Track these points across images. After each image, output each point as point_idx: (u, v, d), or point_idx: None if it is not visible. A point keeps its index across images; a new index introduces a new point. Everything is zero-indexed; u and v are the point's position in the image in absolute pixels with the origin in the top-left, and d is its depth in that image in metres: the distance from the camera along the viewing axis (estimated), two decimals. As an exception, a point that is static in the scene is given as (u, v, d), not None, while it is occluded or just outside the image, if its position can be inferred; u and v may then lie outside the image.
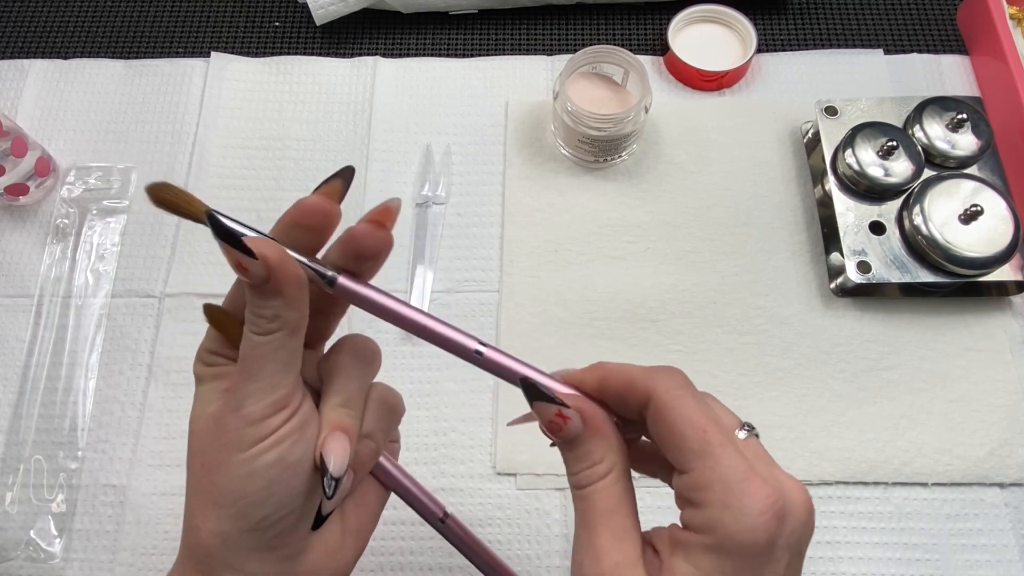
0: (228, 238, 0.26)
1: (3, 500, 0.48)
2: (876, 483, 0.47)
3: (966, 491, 0.47)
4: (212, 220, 0.27)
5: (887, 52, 0.61)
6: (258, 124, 0.59)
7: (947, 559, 0.46)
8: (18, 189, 0.54)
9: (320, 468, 0.28)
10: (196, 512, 0.28)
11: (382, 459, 0.33)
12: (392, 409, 0.33)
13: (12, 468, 0.49)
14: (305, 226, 0.30)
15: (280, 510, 0.28)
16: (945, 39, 0.62)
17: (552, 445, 0.29)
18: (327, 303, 0.32)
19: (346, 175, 0.31)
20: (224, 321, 0.31)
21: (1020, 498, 0.47)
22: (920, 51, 0.61)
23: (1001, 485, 0.47)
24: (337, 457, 0.28)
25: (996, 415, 0.49)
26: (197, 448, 0.29)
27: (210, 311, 0.31)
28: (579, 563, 0.26)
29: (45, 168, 0.56)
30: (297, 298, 0.28)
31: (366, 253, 0.30)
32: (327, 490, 0.28)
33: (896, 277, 0.49)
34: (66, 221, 0.56)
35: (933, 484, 0.47)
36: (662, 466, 0.28)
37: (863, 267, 0.49)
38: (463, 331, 0.30)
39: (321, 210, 0.29)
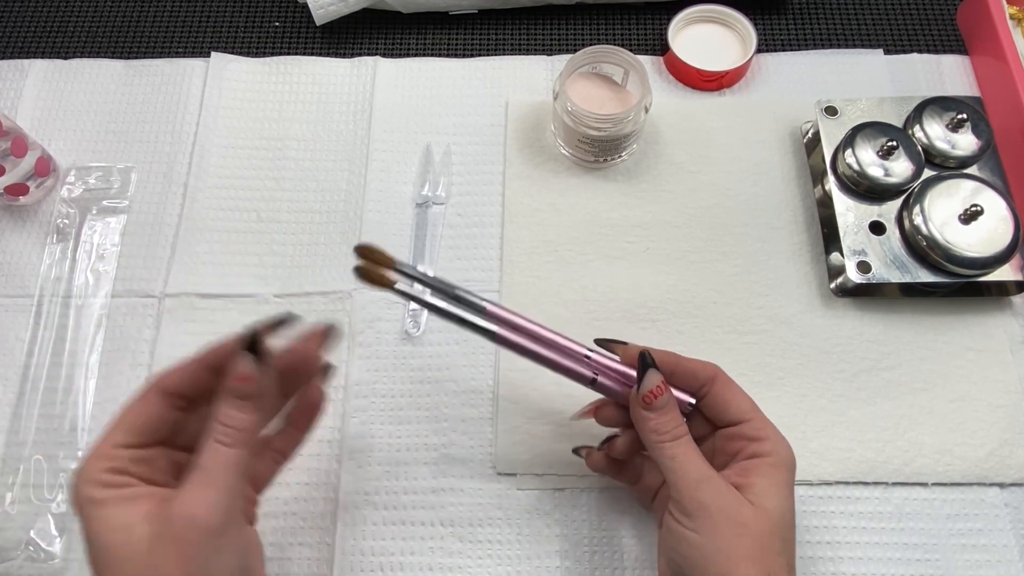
0: (255, 350, 0.32)
1: (3, 500, 0.48)
2: (876, 483, 0.47)
3: (966, 491, 0.47)
4: (253, 336, 0.32)
5: (887, 52, 0.61)
6: (258, 124, 0.59)
7: (947, 559, 0.46)
8: (18, 189, 0.54)
9: None
10: None
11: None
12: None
13: (12, 468, 0.49)
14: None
15: None
16: (945, 39, 0.62)
17: (578, 452, 0.44)
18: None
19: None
20: (379, 259, 0.38)
21: (1020, 498, 0.47)
22: (920, 51, 0.61)
23: (1001, 485, 0.47)
24: None
25: (996, 415, 0.49)
26: (135, 573, 0.28)
27: (363, 250, 0.38)
28: (694, 485, 0.35)
29: (45, 168, 0.56)
30: (269, 418, 0.34)
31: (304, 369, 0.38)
32: None
33: (896, 277, 0.49)
34: (66, 221, 0.56)
35: (933, 484, 0.47)
36: (628, 471, 0.43)
37: (863, 267, 0.49)
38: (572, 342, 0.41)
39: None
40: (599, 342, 0.41)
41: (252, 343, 0.32)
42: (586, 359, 0.40)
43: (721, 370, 0.40)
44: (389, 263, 0.38)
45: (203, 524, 0.28)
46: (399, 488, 0.48)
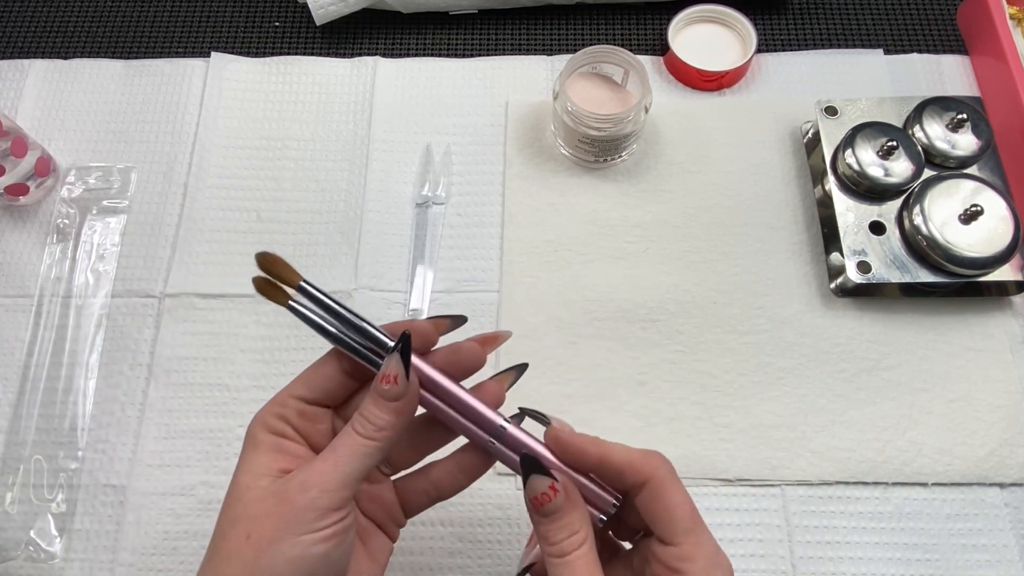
0: (405, 353, 0.31)
1: (3, 500, 0.48)
2: (876, 483, 0.47)
3: (966, 491, 0.47)
4: (405, 337, 0.31)
5: (887, 52, 0.61)
6: (258, 124, 0.59)
7: (947, 559, 0.46)
8: (18, 189, 0.54)
9: None
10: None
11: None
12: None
13: (12, 468, 0.49)
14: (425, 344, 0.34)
15: None
16: (945, 39, 0.62)
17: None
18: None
19: (458, 321, 0.35)
20: (276, 267, 0.32)
21: (1020, 498, 0.47)
22: (920, 51, 0.61)
23: (1001, 485, 0.47)
24: None
25: (996, 415, 0.49)
26: (244, 515, 0.29)
27: (268, 259, 0.32)
28: None
29: (45, 168, 0.56)
30: (406, 424, 0.32)
31: (462, 368, 0.34)
32: None
33: (896, 277, 0.49)
34: (66, 221, 0.56)
35: (933, 484, 0.47)
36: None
37: (863, 267, 0.49)
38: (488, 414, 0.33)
39: (429, 338, 0.34)
40: (523, 410, 0.35)
41: (405, 345, 0.31)
42: (501, 429, 0.33)
43: (661, 470, 0.31)
44: (293, 280, 0.32)
45: (311, 496, 0.29)
46: (399, 488, 0.48)
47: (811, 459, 0.48)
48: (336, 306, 0.32)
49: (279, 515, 0.29)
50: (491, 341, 0.35)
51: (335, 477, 0.30)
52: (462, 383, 0.33)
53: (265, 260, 0.32)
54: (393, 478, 0.36)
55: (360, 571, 0.34)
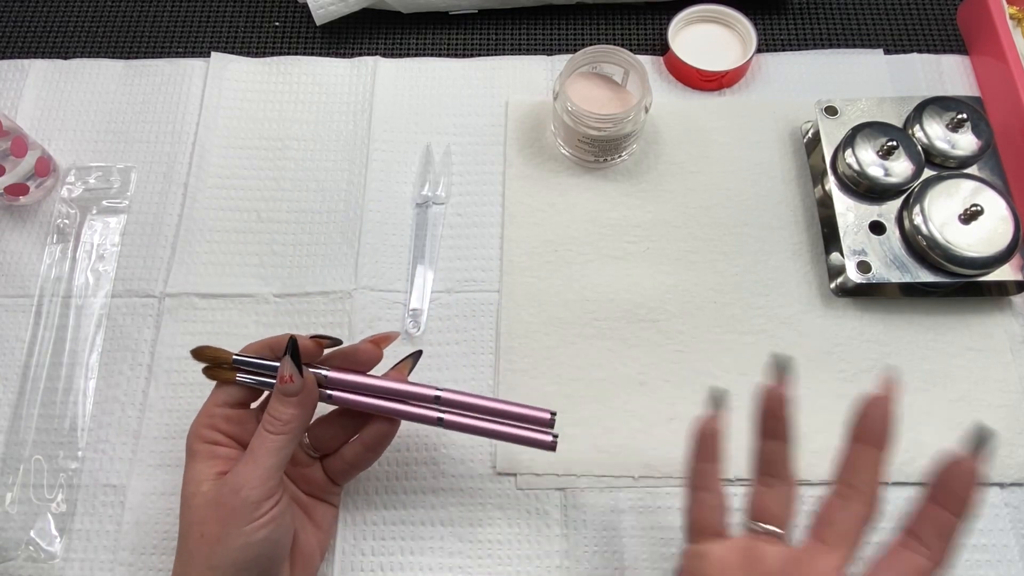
0: (295, 355, 0.37)
1: (3, 500, 0.48)
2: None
3: (966, 491, 0.47)
4: (292, 342, 0.37)
5: (887, 52, 0.61)
6: (258, 124, 0.59)
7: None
8: (18, 189, 0.54)
9: None
10: (192, 571, 0.36)
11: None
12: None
13: (12, 468, 0.49)
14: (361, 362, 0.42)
15: (263, 574, 0.37)
16: (945, 39, 0.62)
17: None
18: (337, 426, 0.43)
19: (414, 357, 0.44)
20: (217, 358, 0.39)
21: (1020, 498, 0.47)
22: (920, 51, 0.61)
23: (1001, 485, 0.47)
24: None
25: (996, 415, 0.49)
26: (195, 519, 0.36)
27: (201, 351, 0.39)
28: None
29: (45, 168, 0.56)
30: (310, 413, 0.38)
31: (361, 364, 0.41)
32: None
33: (896, 277, 0.49)
34: (66, 221, 0.56)
35: (933, 484, 0.47)
36: None
37: (863, 267, 0.49)
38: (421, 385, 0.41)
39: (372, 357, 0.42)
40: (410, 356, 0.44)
41: (293, 349, 0.37)
42: (436, 400, 0.41)
43: None
44: (226, 359, 0.39)
45: (242, 495, 0.35)
46: (399, 488, 0.48)
47: (811, 459, 0.48)
48: (263, 360, 0.39)
49: (219, 517, 0.35)
50: (383, 340, 0.42)
51: (257, 474, 0.36)
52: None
53: (200, 352, 0.39)
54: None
55: (308, 540, 0.41)
